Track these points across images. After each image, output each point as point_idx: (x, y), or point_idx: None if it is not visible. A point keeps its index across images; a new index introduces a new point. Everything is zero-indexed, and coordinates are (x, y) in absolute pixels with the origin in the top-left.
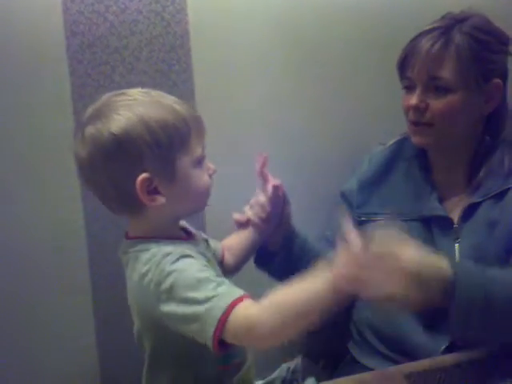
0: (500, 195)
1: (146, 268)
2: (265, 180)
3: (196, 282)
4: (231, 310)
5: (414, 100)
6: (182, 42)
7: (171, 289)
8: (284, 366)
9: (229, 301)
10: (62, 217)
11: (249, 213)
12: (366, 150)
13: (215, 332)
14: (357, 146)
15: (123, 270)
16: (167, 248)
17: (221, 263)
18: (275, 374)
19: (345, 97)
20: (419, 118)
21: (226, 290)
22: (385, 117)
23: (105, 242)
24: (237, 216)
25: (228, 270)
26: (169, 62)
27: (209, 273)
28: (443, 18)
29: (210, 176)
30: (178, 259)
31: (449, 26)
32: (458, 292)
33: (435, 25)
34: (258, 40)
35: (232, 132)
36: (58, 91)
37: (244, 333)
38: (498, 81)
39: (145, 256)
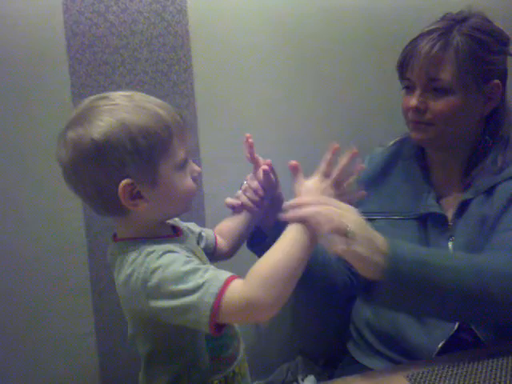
0: (490, 191)
1: (131, 269)
2: (255, 164)
3: (183, 274)
4: (223, 294)
5: (413, 101)
6: (182, 42)
7: (159, 285)
8: (284, 366)
9: (219, 284)
10: (62, 217)
11: (242, 197)
12: (367, 151)
13: (211, 318)
14: (358, 147)
15: None
16: (151, 247)
17: (214, 250)
18: (275, 375)
19: (345, 98)
20: (419, 119)
21: (214, 275)
22: (385, 117)
23: (105, 242)
24: (230, 200)
25: (222, 255)
26: (169, 62)
27: (193, 263)
28: (443, 18)
29: (195, 178)
30: (161, 255)
31: (448, 27)
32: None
33: (434, 26)
34: (258, 40)
35: (232, 131)
36: (58, 91)
37: (242, 312)
38: (497, 81)
39: (130, 257)
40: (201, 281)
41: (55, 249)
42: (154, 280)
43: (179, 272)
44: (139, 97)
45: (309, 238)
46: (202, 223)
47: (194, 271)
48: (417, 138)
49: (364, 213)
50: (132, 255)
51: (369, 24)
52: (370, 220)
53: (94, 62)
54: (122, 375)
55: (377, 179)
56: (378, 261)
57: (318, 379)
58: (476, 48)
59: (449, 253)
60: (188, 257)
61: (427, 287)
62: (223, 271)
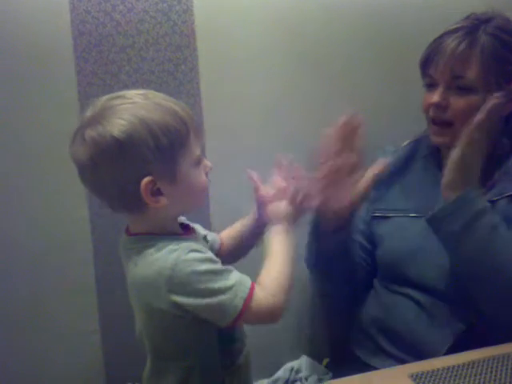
0: None
1: (151, 261)
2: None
3: (212, 274)
4: (250, 299)
5: (435, 98)
6: (188, 41)
7: (187, 282)
8: (288, 365)
9: (246, 290)
10: (67, 215)
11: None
12: (370, 149)
13: (235, 319)
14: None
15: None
16: (172, 243)
17: (217, 254)
18: (279, 373)
19: (350, 95)
20: (440, 115)
21: (239, 278)
22: (388, 115)
23: (110, 239)
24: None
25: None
26: (175, 62)
27: (219, 264)
28: (467, 18)
29: (207, 174)
30: (187, 253)
31: (473, 26)
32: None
33: (460, 25)
34: (263, 40)
35: (237, 130)
36: (64, 90)
37: (262, 318)
38: None
39: (149, 251)
40: (230, 283)
41: (60, 246)
42: (182, 277)
43: (208, 272)
44: (154, 95)
45: (292, 234)
46: (206, 224)
47: (222, 272)
48: (437, 141)
49: (379, 209)
50: (151, 250)
51: (372, 22)
52: (386, 218)
53: (101, 61)
54: (127, 373)
55: (393, 178)
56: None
57: (322, 378)
58: (501, 48)
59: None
60: (212, 256)
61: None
62: (244, 276)
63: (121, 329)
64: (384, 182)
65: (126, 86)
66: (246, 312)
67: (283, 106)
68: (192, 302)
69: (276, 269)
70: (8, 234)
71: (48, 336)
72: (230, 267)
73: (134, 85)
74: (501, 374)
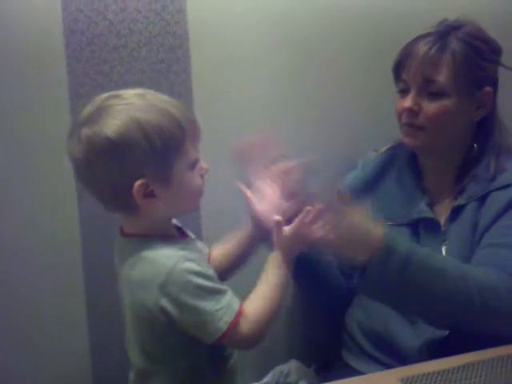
0: (483, 198)
1: (147, 265)
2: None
3: (204, 291)
4: (234, 326)
5: (408, 103)
6: (181, 42)
7: (178, 293)
8: (277, 369)
9: (230, 319)
10: (57, 217)
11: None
12: (365, 151)
13: (218, 340)
14: (356, 147)
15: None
16: (168, 249)
17: None
18: (268, 377)
19: (342, 100)
20: (412, 121)
21: (227, 304)
22: (384, 118)
23: (100, 240)
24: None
25: None
26: (167, 62)
27: (212, 280)
28: (439, 24)
29: (202, 176)
30: (183, 263)
31: (445, 31)
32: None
33: (431, 30)
34: (257, 41)
35: (230, 132)
36: (55, 89)
37: (238, 343)
38: (489, 89)
39: (145, 254)
40: (218, 306)
41: (49, 247)
42: (174, 287)
43: (200, 287)
44: (152, 95)
45: (287, 271)
46: (197, 224)
47: (214, 292)
48: (409, 143)
49: None
50: (146, 253)
51: (374, 22)
52: None
53: (92, 61)
54: (115, 376)
55: (370, 185)
56: (369, 249)
57: (312, 383)
58: (471, 54)
59: (440, 256)
60: (208, 270)
61: (413, 283)
62: (235, 301)
63: (109, 331)
64: (361, 190)
65: (118, 86)
66: (228, 336)
67: (277, 107)
68: (178, 313)
69: (265, 302)
70: None
71: (36, 338)
72: (223, 287)
73: (126, 85)
74: (491, 378)
